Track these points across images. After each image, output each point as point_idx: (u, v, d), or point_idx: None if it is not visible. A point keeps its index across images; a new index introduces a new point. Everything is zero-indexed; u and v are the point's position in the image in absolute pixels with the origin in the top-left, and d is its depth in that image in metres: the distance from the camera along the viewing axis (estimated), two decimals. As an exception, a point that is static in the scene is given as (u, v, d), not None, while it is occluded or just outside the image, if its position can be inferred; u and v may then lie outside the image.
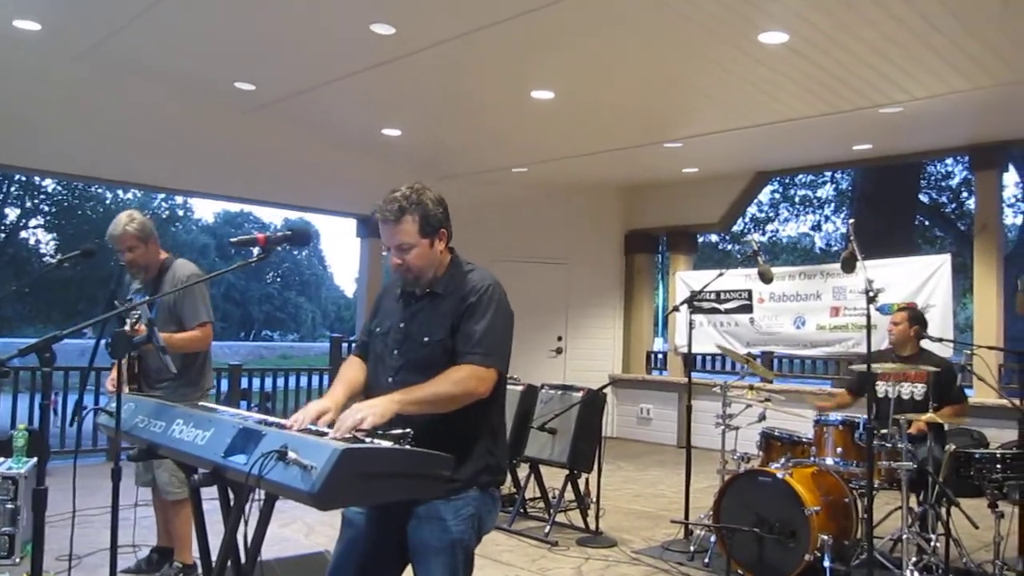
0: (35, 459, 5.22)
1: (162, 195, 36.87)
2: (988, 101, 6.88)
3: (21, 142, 7.78)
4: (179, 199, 40.60)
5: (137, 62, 6.94)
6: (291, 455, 2.09)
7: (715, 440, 5.85)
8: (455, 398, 2.52)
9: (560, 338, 11.55)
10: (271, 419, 2.57)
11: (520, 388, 6.46)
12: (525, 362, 10.72)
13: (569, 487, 6.15)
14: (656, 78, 6.82)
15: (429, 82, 7.07)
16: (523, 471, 6.53)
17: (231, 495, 2.55)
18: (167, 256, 4.62)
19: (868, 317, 4.77)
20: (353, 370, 2.85)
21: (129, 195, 32.89)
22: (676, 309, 6.69)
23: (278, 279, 58.53)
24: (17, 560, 4.89)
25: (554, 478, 6.35)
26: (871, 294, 4.72)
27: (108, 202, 33.46)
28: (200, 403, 3.32)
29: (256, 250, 2.80)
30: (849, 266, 5.13)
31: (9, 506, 4.98)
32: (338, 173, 9.52)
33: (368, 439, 2.29)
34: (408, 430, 2.33)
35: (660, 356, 11.99)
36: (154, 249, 4.53)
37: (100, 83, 7.24)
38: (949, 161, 17.79)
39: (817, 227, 21.17)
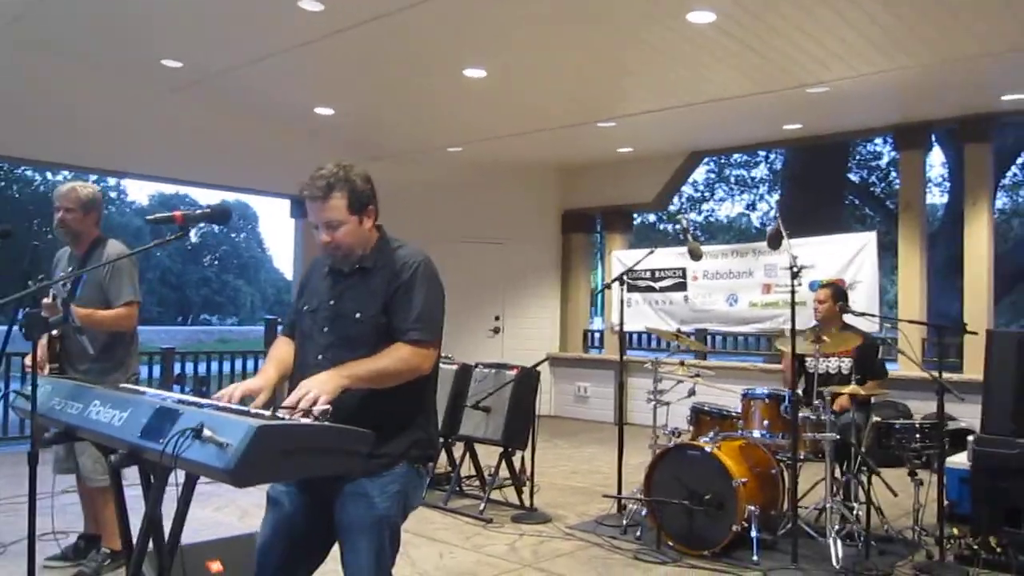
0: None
1: (94, 176, 36.04)
2: (912, 82, 7.04)
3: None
4: (112, 181, 39.65)
5: (60, 39, 6.73)
6: (207, 433, 2.07)
7: (649, 416, 5.94)
8: (400, 374, 2.54)
9: (498, 317, 11.58)
10: (189, 399, 2.54)
11: (454, 367, 6.49)
12: (463, 341, 10.75)
13: (504, 465, 6.19)
14: (588, 57, 6.83)
15: (360, 60, 6.99)
16: (458, 450, 6.55)
17: (152, 477, 2.52)
18: (100, 236, 4.53)
19: (792, 293, 4.88)
20: (283, 350, 2.83)
21: (59, 176, 31.99)
22: (608, 287, 6.75)
23: (216, 262, 57.55)
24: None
25: (489, 456, 6.39)
26: (795, 270, 4.83)
27: (37, 184, 32.59)
28: (123, 385, 3.28)
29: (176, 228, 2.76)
30: (775, 243, 5.24)
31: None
32: (272, 153, 9.37)
33: (286, 416, 2.29)
34: (327, 407, 2.33)
35: (597, 335, 12.10)
36: (91, 223, 4.44)
37: (24, 62, 7.02)
38: (878, 141, 18.20)
39: (752, 207, 21.53)
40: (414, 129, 9.28)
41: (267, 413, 2.27)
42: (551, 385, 11.52)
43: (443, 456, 6.63)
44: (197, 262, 54.61)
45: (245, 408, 2.37)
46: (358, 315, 2.63)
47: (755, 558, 4.75)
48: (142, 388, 3.00)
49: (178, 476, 2.32)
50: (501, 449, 6.15)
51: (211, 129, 8.77)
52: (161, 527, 2.57)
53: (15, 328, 3.06)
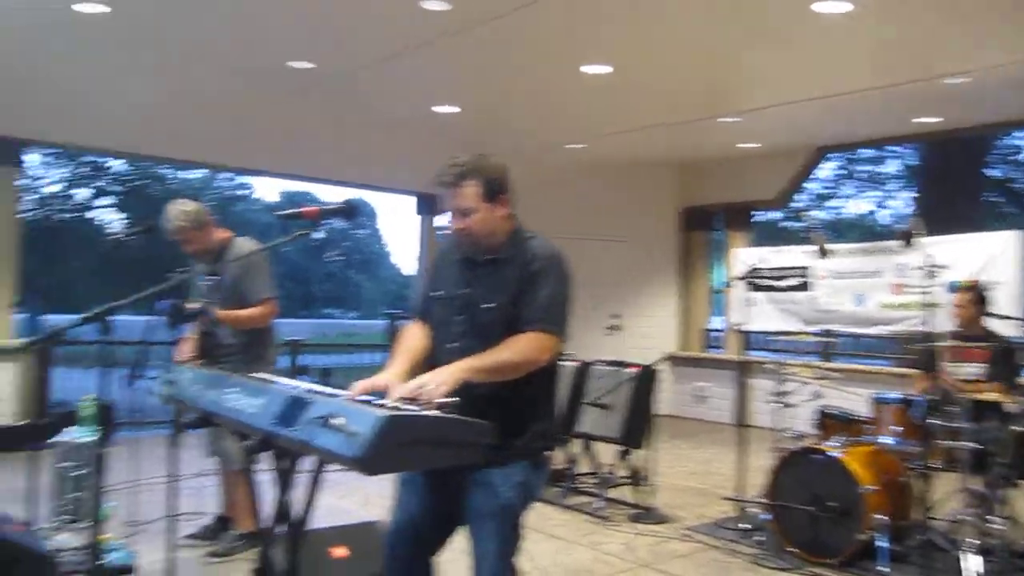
0: (102, 428, 5.40)
1: (225, 174, 37.62)
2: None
3: (88, 123, 8.01)
4: (242, 179, 41.32)
5: (196, 44, 7.05)
6: (336, 421, 2.13)
7: (770, 419, 5.80)
8: (519, 366, 2.56)
9: (616, 315, 11.50)
10: (321, 389, 2.62)
11: (573, 364, 6.47)
12: (581, 339, 10.62)
13: (621, 463, 6.15)
14: (712, 52, 6.71)
15: (482, 59, 7.06)
16: (576, 447, 6.54)
17: (284, 463, 2.61)
18: (227, 236, 4.72)
19: (928, 294, 4.67)
20: (414, 339, 2.87)
21: (193, 174, 33.57)
22: (730, 285, 6.60)
23: (339, 257, 59.16)
24: (86, 524, 5.08)
25: (607, 454, 6.36)
26: (930, 271, 4.62)
27: (173, 181, 34.25)
28: (256, 374, 3.40)
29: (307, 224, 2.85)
30: (909, 242, 5.02)
31: (77, 473, 5.18)
32: (395, 150, 9.58)
33: (414, 407, 2.33)
34: (455, 399, 2.36)
35: (717, 334, 11.88)
36: (210, 232, 4.63)
37: (162, 65, 7.38)
38: (1020, 135, 17.21)
39: (881, 204, 20.68)
40: (534, 127, 9.31)
41: (392, 404, 2.33)
42: (669, 384, 11.37)
43: (561, 453, 6.63)
44: (321, 257, 56.27)
45: (372, 399, 2.43)
46: (489, 304, 2.66)
47: (883, 569, 4.57)
48: (276, 377, 3.12)
49: (307, 463, 2.40)
50: (618, 447, 6.11)
51: (336, 128, 9.02)
52: (290, 512, 2.67)
53: (158, 318, 3.22)
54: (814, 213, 13.87)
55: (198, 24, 6.51)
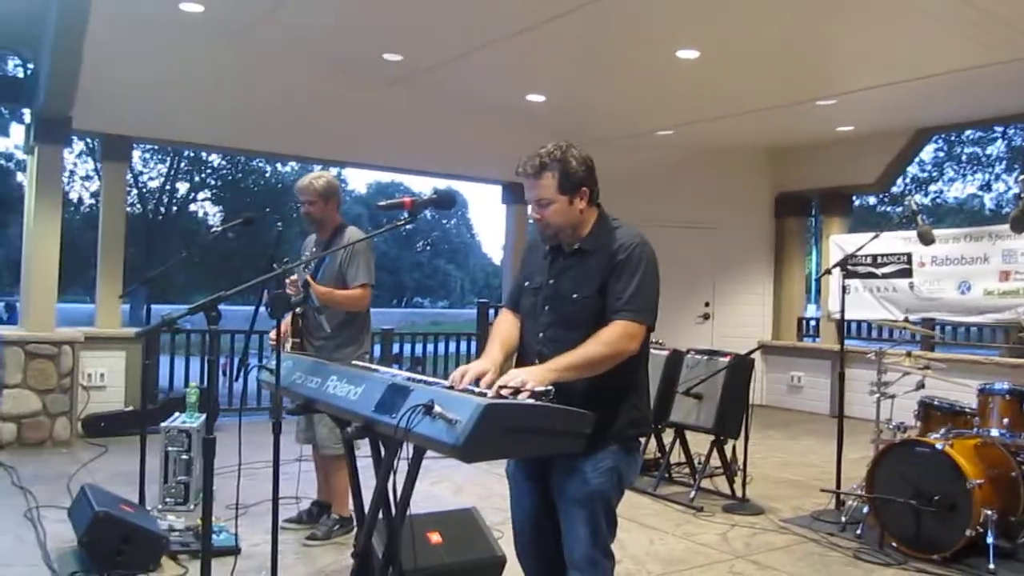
0: (205, 414, 5.61)
1: (319, 167, 38.48)
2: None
3: (187, 120, 8.30)
4: (333, 170, 42.12)
5: (289, 39, 7.21)
6: (437, 409, 2.17)
7: (869, 410, 5.65)
8: (607, 358, 2.57)
9: (707, 304, 11.36)
10: (419, 376, 2.67)
11: (665, 353, 6.42)
12: (672, 328, 10.60)
13: (715, 453, 6.07)
14: (804, 35, 6.55)
15: (572, 46, 7.04)
16: (669, 437, 6.49)
17: (383, 450, 2.68)
18: (342, 223, 4.88)
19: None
20: (507, 327, 2.91)
21: (287, 168, 34.41)
22: (828, 272, 6.45)
23: (428, 247, 59.94)
24: (191, 507, 5.29)
25: (700, 444, 6.29)
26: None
27: (268, 175, 35.16)
28: (355, 362, 3.48)
29: (404, 214, 2.91)
30: (1019, 226, 4.82)
31: (184, 457, 5.39)
32: (484, 140, 9.64)
33: (511, 396, 2.36)
34: (550, 387, 2.37)
35: (812, 323, 11.62)
36: (332, 209, 4.83)
37: (256, 61, 7.56)
38: None
39: (986, 187, 19.81)
40: (624, 113, 9.23)
41: (491, 392, 2.36)
42: (763, 374, 11.17)
43: (653, 442, 6.60)
44: (411, 248, 57.07)
45: (472, 388, 2.46)
46: (575, 295, 2.68)
47: (991, 566, 4.41)
48: (374, 366, 3.19)
49: (406, 450, 2.45)
50: (712, 437, 6.03)
51: (425, 119, 9.11)
52: (389, 499, 2.73)
53: (262, 307, 3.32)
54: (916, 197, 13.34)
55: (291, 20, 6.66)
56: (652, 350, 6.54)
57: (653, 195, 11.01)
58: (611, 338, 2.56)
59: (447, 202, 2.96)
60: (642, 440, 2.82)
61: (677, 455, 6.43)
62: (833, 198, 10.97)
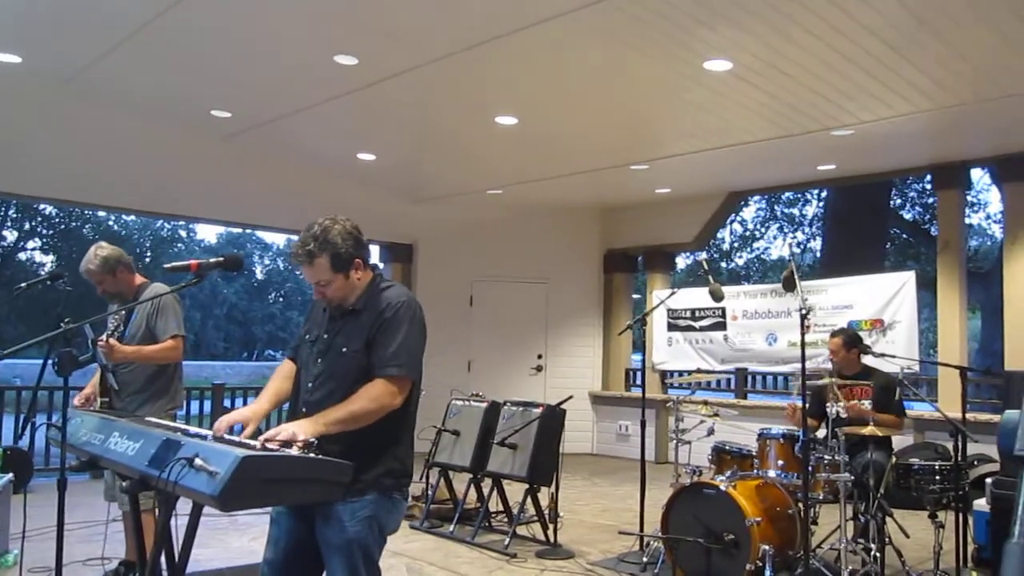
0: (11, 474, 5.45)
1: (160, 220, 37.24)
2: (945, 122, 7.04)
3: (14, 170, 8.04)
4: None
5: (116, 91, 7.18)
6: (198, 462, 2.31)
7: (694, 455, 6.06)
8: (372, 413, 2.76)
9: (540, 356, 11.74)
10: (196, 431, 2.78)
11: (484, 404, 6.68)
12: (506, 379, 10.96)
13: (530, 501, 6.32)
14: (615, 104, 7.03)
15: (397, 109, 7.31)
16: (487, 486, 6.70)
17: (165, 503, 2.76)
18: (144, 281, 4.88)
19: (803, 335, 4.96)
20: (281, 379, 3.10)
21: (130, 217, 33.17)
22: (630, 327, 6.89)
23: (281, 299, 58.68)
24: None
25: (518, 492, 6.53)
26: (804, 313, 4.92)
27: (111, 223, 33.85)
28: (151, 418, 3.55)
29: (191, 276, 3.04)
30: (789, 286, 5.33)
31: (-17, 519, 5.20)
32: (322, 196, 9.73)
33: (277, 447, 2.52)
34: (313, 440, 2.55)
35: (639, 373, 12.17)
36: (124, 277, 4.78)
37: (85, 112, 7.49)
38: (929, 177, 17.91)
39: (803, 245, 21.31)
40: (453, 173, 9.56)
41: (257, 444, 2.51)
42: (593, 423, 11.63)
43: (472, 492, 6.79)
44: (263, 299, 55.76)
45: (239, 439, 2.60)
46: (345, 349, 2.89)
47: (769, 598, 4.80)
48: (163, 421, 3.27)
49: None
50: (526, 485, 6.28)
51: (263, 174, 9.17)
52: (173, 549, 2.81)
53: (49, 364, 3.35)
54: (704, 257, 14.20)
55: (117, 72, 6.65)
56: (471, 402, 6.81)
57: (486, 251, 11.39)
58: (375, 394, 2.76)
59: (234, 265, 3.11)
60: (406, 490, 2.99)
61: (496, 504, 6.64)
62: (656, 255, 11.62)
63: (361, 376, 2.81)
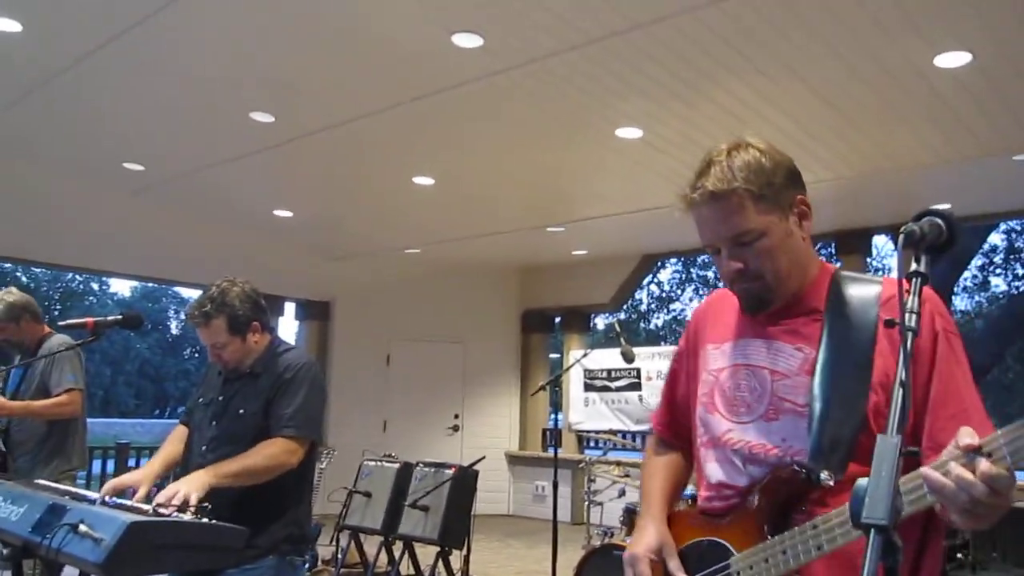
0: None
1: (71, 274, 36.22)
2: (844, 191, 7.35)
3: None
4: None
5: (21, 141, 7.01)
6: (83, 528, 2.22)
7: (608, 516, 6.06)
8: (267, 470, 2.72)
9: (457, 416, 11.67)
10: (84, 494, 2.69)
11: (396, 465, 6.59)
12: (421, 439, 10.86)
13: (441, 564, 6.23)
14: (530, 167, 7.15)
15: (314, 166, 7.29)
16: (399, 548, 6.59)
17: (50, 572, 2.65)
18: (47, 332, 4.69)
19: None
20: (175, 442, 3.05)
21: (38, 271, 32.21)
22: (543, 388, 6.92)
23: (196, 355, 57.30)
24: None
25: (431, 556, 6.43)
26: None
27: (18, 274, 32.76)
28: (42, 480, 3.40)
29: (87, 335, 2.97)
30: (628, 358, 5.49)
31: None
32: (238, 252, 9.61)
33: (171, 512, 2.44)
34: (207, 504, 2.49)
35: (556, 433, 12.16)
36: (29, 327, 4.59)
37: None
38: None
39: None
40: (371, 231, 9.55)
41: (148, 508, 2.43)
42: (510, 484, 11.57)
43: (383, 555, 6.67)
44: (177, 355, 54.39)
45: (131, 504, 2.52)
46: (242, 411, 2.86)
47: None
48: (53, 484, 3.15)
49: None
50: (438, 548, 6.19)
51: (178, 228, 9.01)
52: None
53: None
54: (616, 319, 14.41)
55: (25, 123, 6.51)
56: (383, 463, 6.72)
57: (404, 310, 11.35)
58: (272, 452, 2.73)
59: (134, 323, 3.05)
60: (306, 555, 2.94)
61: (407, 567, 6.52)
62: (573, 316, 11.75)
63: (259, 438, 2.78)
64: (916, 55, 4.74)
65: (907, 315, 1.21)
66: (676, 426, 1.96)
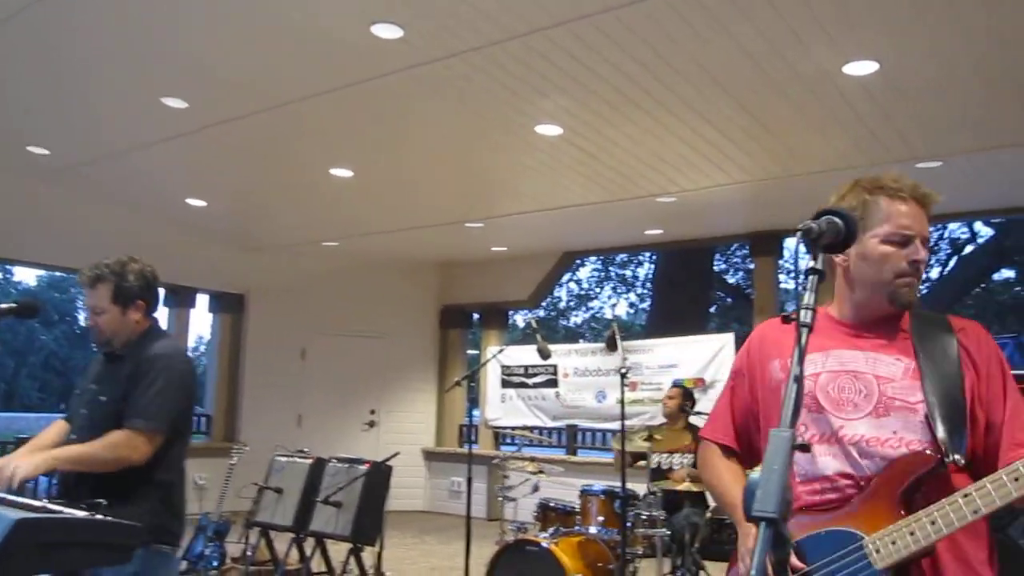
0: None
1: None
2: (755, 194, 7.54)
3: None
4: (-7, 261, 38.24)
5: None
6: (-35, 526, 2.12)
7: (523, 512, 6.07)
8: (107, 461, 2.69)
9: (373, 411, 11.56)
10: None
11: (308, 461, 6.48)
12: (336, 434, 10.71)
13: (353, 561, 6.15)
14: (449, 161, 7.13)
15: (229, 155, 7.13)
16: (311, 545, 6.49)
17: None
18: None
19: (623, 394, 5.13)
20: (50, 431, 3.00)
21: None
22: (458, 383, 6.92)
23: (105, 347, 55.66)
24: None
25: (343, 552, 6.35)
26: (624, 373, 5.10)
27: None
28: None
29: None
30: (612, 347, 5.51)
31: None
32: (148, 241, 9.22)
33: (62, 508, 2.35)
34: (103, 500, 2.40)
35: (473, 429, 12.18)
36: None
37: None
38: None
39: (635, 305, 22.17)
40: (288, 223, 9.39)
41: (38, 504, 2.34)
42: (426, 480, 11.52)
43: (294, 552, 6.56)
44: (85, 347, 52.65)
45: (23, 501, 2.42)
46: (103, 398, 2.82)
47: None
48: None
49: None
50: (350, 545, 6.12)
51: (86, 216, 8.68)
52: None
53: None
54: (533, 316, 14.53)
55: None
56: (295, 458, 6.61)
57: (321, 304, 11.18)
58: (114, 442, 2.70)
59: (28, 312, 2.92)
60: (175, 545, 2.89)
61: (319, 564, 6.43)
62: (492, 312, 11.75)
63: (118, 426, 2.74)
64: (827, 62, 4.87)
65: (803, 311, 1.23)
66: (745, 435, 2.12)
